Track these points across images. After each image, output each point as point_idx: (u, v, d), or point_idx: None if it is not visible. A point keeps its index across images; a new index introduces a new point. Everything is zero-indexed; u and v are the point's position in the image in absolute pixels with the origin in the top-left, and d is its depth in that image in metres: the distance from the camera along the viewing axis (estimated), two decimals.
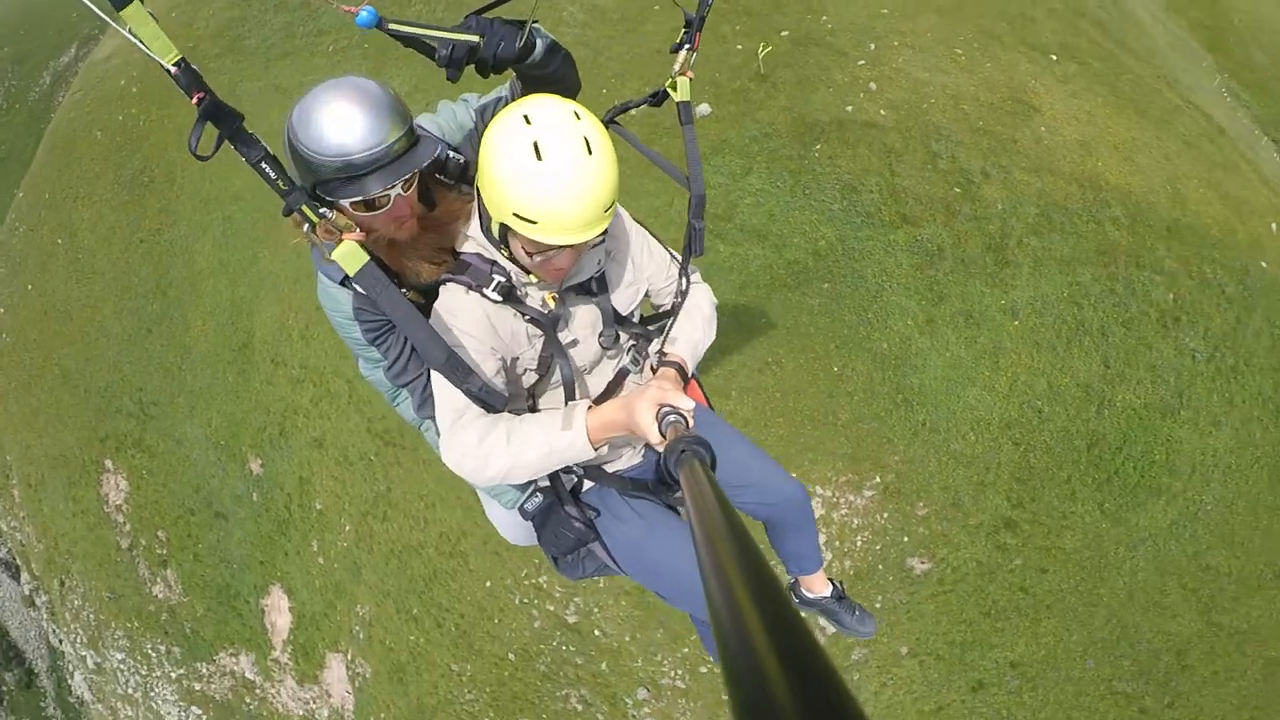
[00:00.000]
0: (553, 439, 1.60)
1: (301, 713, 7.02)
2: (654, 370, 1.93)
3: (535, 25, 1.61)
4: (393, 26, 1.43)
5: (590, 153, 1.42)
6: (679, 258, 1.97)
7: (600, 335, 1.81)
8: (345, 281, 1.68)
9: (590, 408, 1.63)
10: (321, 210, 1.45)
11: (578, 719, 5.61)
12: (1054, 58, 7.22)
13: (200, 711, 7.72)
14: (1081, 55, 7.37)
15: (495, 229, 1.55)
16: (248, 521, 7.20)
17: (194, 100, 1.27)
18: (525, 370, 1.76)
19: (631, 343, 1.90)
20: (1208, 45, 10.27)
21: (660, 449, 1.35)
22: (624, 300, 1.86)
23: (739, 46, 6.90)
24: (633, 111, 2.09)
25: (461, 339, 1.62)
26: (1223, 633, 5.60)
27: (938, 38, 7.05)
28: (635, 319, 1.94)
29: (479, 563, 5.99)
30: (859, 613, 2.64)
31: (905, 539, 5.32)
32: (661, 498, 2.04)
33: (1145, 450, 5.52)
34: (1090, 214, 6.11)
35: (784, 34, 6.97)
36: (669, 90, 1.94)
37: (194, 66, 1.31)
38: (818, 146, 6.12)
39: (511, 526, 2.22)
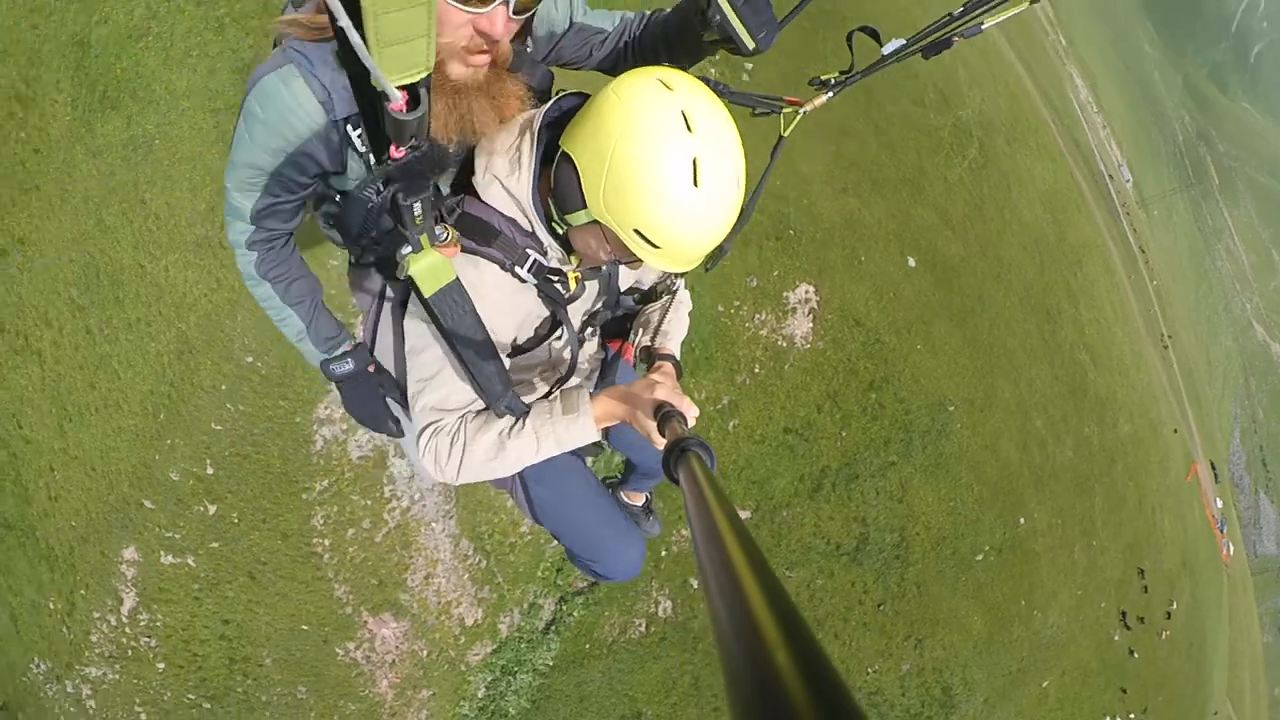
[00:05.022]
0: (561, 434, 1.49)
1: None
2: (640, 361, 1.87)
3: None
4: None
5: (738, 186, 1.27)
6: None
7: (595, 309, 1.73)
8: (339, 115, 1.21)
9: (591, 397, 1.51)
10: (438, 229, 1.23)
11: None
12: None
13: None
14: None
15: (580, 217, 1.32)
16: None
17: (399, 153, 0.94)
18: (516, 347, 1.61)
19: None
20: None
21: (659, 446, 1.30)
22: (627, 279, 1.77)
23: None
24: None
25: (485, 324, 1.44)
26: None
27: None
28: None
29: None
30: (653, 519, 2.92)
31: None
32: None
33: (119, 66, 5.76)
34: None
35: None
36: (782, 115, 1.64)
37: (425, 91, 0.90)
38: None
39: None
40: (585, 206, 1.30)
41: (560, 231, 1.42)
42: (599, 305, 1.73)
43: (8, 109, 5.98)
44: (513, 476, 1.91)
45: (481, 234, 1.41)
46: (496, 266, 1.43)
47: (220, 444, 6.34)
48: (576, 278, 1.54)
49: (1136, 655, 11.28)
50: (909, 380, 8.28)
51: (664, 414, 1.33)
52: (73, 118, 5.97)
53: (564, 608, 6.79)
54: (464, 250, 1.43)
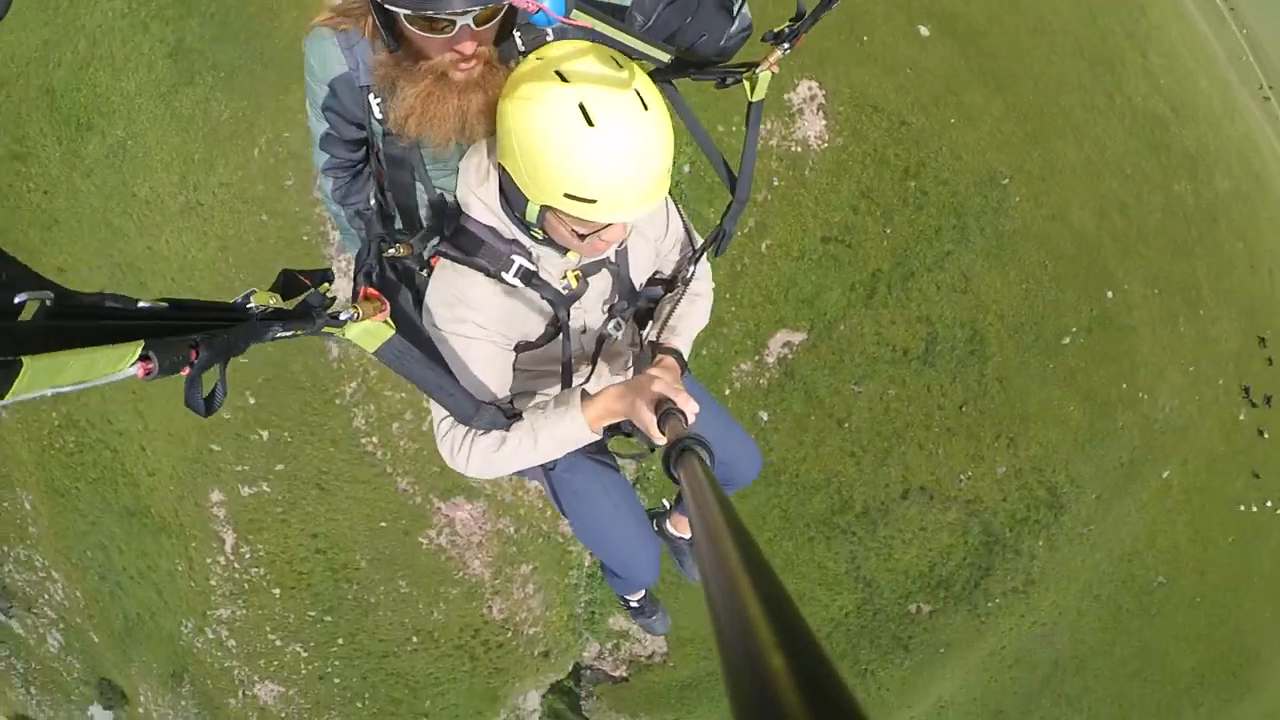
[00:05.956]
0: (559, 435, 1.54)
1: None
2: (643, 352, 1.90)
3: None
4: (581, 21, 1.22)
5: (646, 108, 1.24)
6: (694, 236, 1.86)
7: (610, 306, 1.72)
8: (362, 82, 1.55)
9: (585, 397, 1.53)
10: (347, 312, 1.27)
11: None
12: None
13: None
14: None
15: (533, 212, 1.36)
16: None
17: (184, 373, 0.99)
18: (525, 343, 1.65)
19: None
20: None
21: (659, 444, 1.31)
22: (640, 273, 1.76)
23: None
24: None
25: (476, 334, 1.52)
26: None
27: None
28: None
29: None
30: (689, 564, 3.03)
31: None
32: (607, 454, 2.05)
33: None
34: None
35: None
36: (745, 81, 1.58)
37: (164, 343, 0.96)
38: None
39: None
40: (529, 200, 1.34)
41: (539, 235, 1.46)
42: (616, 299, 1.74)
43: (13, 169, 7.07)
44: (541, 472, 2.02)
45: (469, 245, 1.48)
46: (482, 275, 1.49)
47: (250, 374, 6.80)
48: (577, 275, 1.57)
49: (1267, 435, 9.88)
50: (949, 159, 7.45)
51: (664, 410, 1.33)
52: (62, 152, 6.91)
53: (643, 465, 6.75)
54: (452, 259, 1.51)
